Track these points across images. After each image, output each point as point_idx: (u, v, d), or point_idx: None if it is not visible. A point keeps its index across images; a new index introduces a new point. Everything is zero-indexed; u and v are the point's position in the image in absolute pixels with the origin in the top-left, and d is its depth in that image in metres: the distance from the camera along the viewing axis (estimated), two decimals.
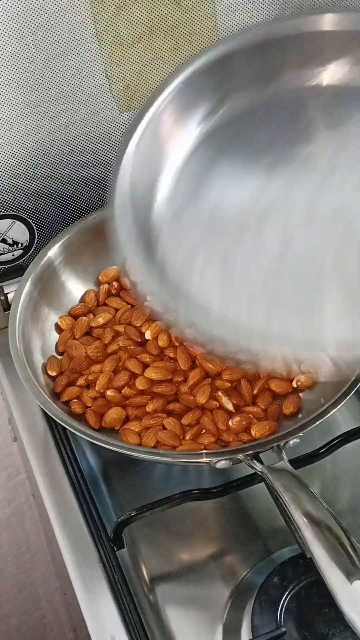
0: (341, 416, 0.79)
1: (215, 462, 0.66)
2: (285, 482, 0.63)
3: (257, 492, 0.71)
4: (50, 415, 0.71)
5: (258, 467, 0.66)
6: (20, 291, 0.79)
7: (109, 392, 0.75)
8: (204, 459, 0.67)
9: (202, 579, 0.70)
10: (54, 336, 0.81)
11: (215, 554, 0.72)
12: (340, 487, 0.76)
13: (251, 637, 0.64)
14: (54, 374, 0.77)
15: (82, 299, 0.84)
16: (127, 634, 0.64)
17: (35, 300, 0.80)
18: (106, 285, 0.84)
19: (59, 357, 0.79)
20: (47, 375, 0.77)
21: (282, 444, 0.67)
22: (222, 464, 0.66)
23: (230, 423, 0.72)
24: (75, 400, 0.75)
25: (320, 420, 0.68)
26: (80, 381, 0.76)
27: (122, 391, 0.75)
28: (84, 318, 0.81)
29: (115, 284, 0.84)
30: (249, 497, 0.74)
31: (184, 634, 0.66)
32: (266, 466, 0.65)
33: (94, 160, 0.86)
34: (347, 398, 0.69)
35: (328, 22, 0.65)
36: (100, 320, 0.81)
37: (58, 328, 0.81)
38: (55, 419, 0.71)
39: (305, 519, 0.60)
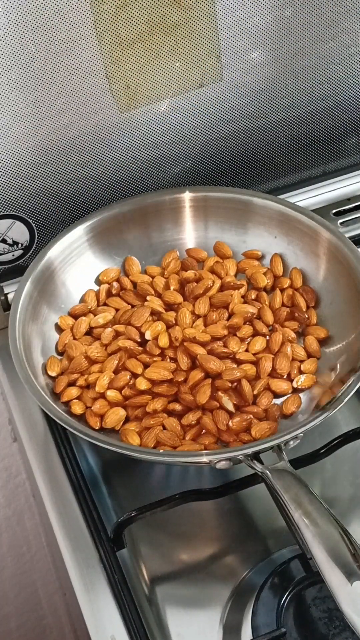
0: (341, 416, 0.79)
1: (216, 463, 0.66)
2: (285, 482, 0.63)
3: (257, 492, 0.71)
4: (51, 415, 0.71)
5: (258, 467, 0.65)
6: (20, 291, 0.79)
7: (109, 393, 0.74)
8: (204, 459, 0.67)
9: (202, 579, 0.70)
10: (54, 336, 0.81)
11: (216, 554, 0.72)
12: (340, 487, 0.76)
13: (251, 638, 0.64)
14: (54, 374, 0.77)
15: (82, 299, 0.84)
16: (127, 634, 0.64)
17: (35, 300, 0.80)
18: (106, 285, 0.84)
19: (59, 358, 0.79)
20: (47, 375, 0.77)
21: (282, 444, 0.67)
22: (222, 464, 0.66)
23: (230, 423, 0.72)
24: (75, 400, 0.75)
25: (320, 420, 0.68)
26: (81, 381, 0.76)
27: (122, 392, 0.75)
28: (84, 318, 0.81)
29: (115, 284, 0.84)
30: (249, 498, 0.74)
31: (184, 634, 0.66)
32: (266, 466, 0.65)
33: (94, 160, 0.86)
34: (347, 398, 0.69)
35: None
36: (100, 320, 0.81)
37: (58, 328, 0.81)
38: (56, 420, 0.71)
39: (305, 519, 0.60)
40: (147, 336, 0.77)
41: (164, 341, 0.77)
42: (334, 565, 0.57)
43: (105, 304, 0.83)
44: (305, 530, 0.59)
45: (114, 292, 0.84)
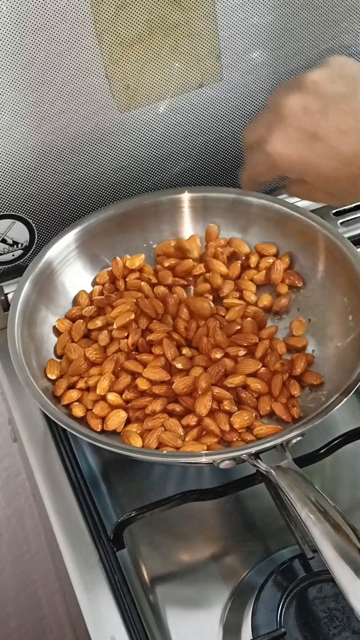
0: (341, 416, 0.79)
1: (219, 462, 0.66)
2: (290, 480, 0.63)
3: (257, 492, 0.71)
4: (52, 418, 0.70)
5: (262, 466, 0.65)
6: (19, 292, 0.79)
7: (110, 396, 0.74)
8: (209, 459, 0.67)
9: (202, 579, 0.70)
10: (53, 339, 0.81)
11: (216, 554, 0.72)
12: (340, 487, 0.76)
13: (251, 637, 0.64)
14: (53, 377, 0.77)
15: (76, 300, 0.84)
16: (127, 634, 0.64)
17: (34, 302, 0.79)
18: (99, 287, 0.84)
19: (58, 360, 0.79)
20: (47, 378, 0.77)
21: (285, 443, 0.67)
22: (225, 464, 0.66)
23: (232, 419, 0.72)
24: (75, 403, 0.75)
25: (323, 418, 0.68)
26: (81, 384, 0.76)
27: (123, 395, 0.75)
28: (81, 321, 0.81)
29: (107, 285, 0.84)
30: (249, 497, 0.74)
31: (184, 634, 0.66)
32: (270, 465, 0.65)
33: (94, 160, 0.86)
34: (350, 395, 0.69)
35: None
36: (98, 322, 0.80)
37: (56, 331, 0.81)
38: (58, 422, 0.70)
39: (312, 517, 0.60)
40: None
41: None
42: (343, 562, 0.57)
43: (98, 306, 0.83)
44: (313, 527, 0.59)
45: (105, 293, 0.83)
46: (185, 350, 0.77)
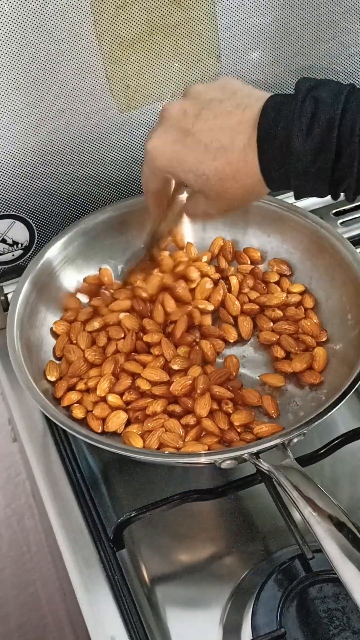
0: (341, 417, 0.79)
1: (221, 462, 0.66)
2: (293, 479, 0.63)
3: (257, 492, 0.71)
4: (53, 420, 0.70)
5: (264, 465, 0.65)
6: (18, 293, 0.78)
7: (110, 398, 0.74)
8: (209, 459, 0.67)
9: (202, 580, 0.70)
10: (52, 341, 0.80)
11: (215, 555, 0.72)
12: (339, 487, 0.76)
13: (251, 638, 0.64)
14: (53, 379, 0.77)
15: (65, 305, 0.83)
16: (127, 634, 0.64)
17: (32, 303, 0.79)
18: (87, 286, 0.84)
19: (57, 362, 0.79)
20: (47, 380, 0.77)
21: (286, 442, 0.67)
22: (227, 463, 0.66)
23: (232, 417, 0.72)
24: (76, 405, 0.75)
25: (323, 417, 0.68)
26: (80, 385, 0.76)
27: (123, 397, 0.75)
28: (79, 322, 0.81)
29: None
30: (249, 498, 0.74)
31: (184, 634, 0.66)
32: (272, 464, 0.65)
33: (94, 160, 0.86)
34: (351, 393, 0.69)
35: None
36: (96, 324, 0.80)
37: (54, 333, 0.81)
38: (59, 424, 0.70)
39: (315, 515, 0.60)
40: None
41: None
42: (347, 560, 0.57)
43: (92, 307, 0.83)
44: (316, 526, 0.59)
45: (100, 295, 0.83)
46: (181, 350, 0.77)
